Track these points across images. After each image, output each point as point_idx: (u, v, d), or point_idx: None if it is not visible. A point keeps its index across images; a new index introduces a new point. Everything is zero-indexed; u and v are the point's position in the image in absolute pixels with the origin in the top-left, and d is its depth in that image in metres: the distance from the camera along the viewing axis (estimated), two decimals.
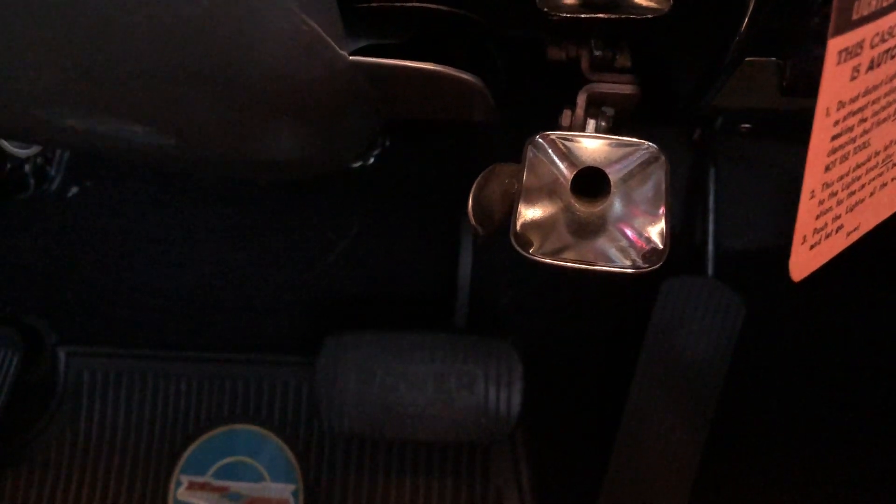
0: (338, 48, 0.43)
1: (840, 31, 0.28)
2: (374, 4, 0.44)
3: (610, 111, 0.54)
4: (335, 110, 0.49)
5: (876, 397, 1.08)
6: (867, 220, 0.35)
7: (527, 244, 0.43)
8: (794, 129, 0.63)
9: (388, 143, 0.98)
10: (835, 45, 0.28)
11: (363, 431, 1.00)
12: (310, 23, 0.40)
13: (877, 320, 1.09)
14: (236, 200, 1.20)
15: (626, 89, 0.52)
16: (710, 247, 1.09)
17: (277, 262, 1.19)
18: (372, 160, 1.00)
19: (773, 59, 0.51)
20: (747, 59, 0.50)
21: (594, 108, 0.54)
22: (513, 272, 1.13)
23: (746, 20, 0.42)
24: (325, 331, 1.05)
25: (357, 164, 0.98)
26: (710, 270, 1.08)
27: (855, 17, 0.28)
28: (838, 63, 0.29)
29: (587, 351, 1.12)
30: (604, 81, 0.52)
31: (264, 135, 0.48)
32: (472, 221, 0.45)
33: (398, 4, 0.44)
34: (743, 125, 0.60)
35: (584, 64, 0.52)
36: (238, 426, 1.13)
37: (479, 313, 1.11)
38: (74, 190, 1.20)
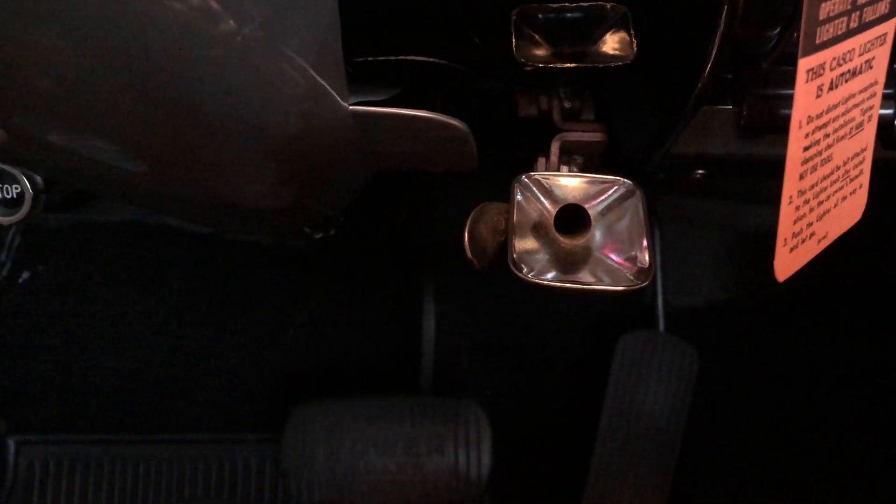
0: (341, 100, 0.46)
1: (807, 52, 0.33)
2: (370, 59, 0.47)
3: (579, 159, 0.59)
4: (327, 159, 0.52)
5: (824, 430, 1.13)
6: (833, 229, 0.40)
7: (521, 271, 0.46)
8: (744, 174, 0.69)
9: (350, 214, 1.01)
10: (803, 64, 0.33)
11: (333, 501, 0.99)
12: (320, 82, 0.44)
13: (819, 364, 1.15)
14: (191, 278, 1.20)
15: (595, 136, 0.57)
16: (660, 303, 1.14)
17: (235, 338, 1.19)
18: (333, 231, 1.02)
19: (727, 106, 0.57)
20: (703, 106, 0.56)
21: (565, 156, 0.58)
22: (472, 337, 1.16)
23: (709, 67, 0.47)
24: (286, 405, 1.04)
25: (319, 235, 1.00)
26: (661, 325, 1.13)
27: (818, 41, 0.33)
28: (806, 81, 0.33)
29: (551, 408, 1.14)
30: (574, 130, 0.57)
31: (249, 177, 0.50)
32: (469, 255, 0.48)
33: (392, 58, 0.48)
34: (697, 171, 0.64)
35: (556, 115, 0.57)
36: None
37: (443, 378, 1.12)
38: (26, 275, 1.19)
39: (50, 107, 0.35)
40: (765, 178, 0.70)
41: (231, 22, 0.36)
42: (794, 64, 0.51)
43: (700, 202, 1.15)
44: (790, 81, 0.51)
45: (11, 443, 1.11)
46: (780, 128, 0.52)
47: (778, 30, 0.49)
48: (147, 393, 1.16)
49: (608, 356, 1.09)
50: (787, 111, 0.51)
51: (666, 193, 1.14)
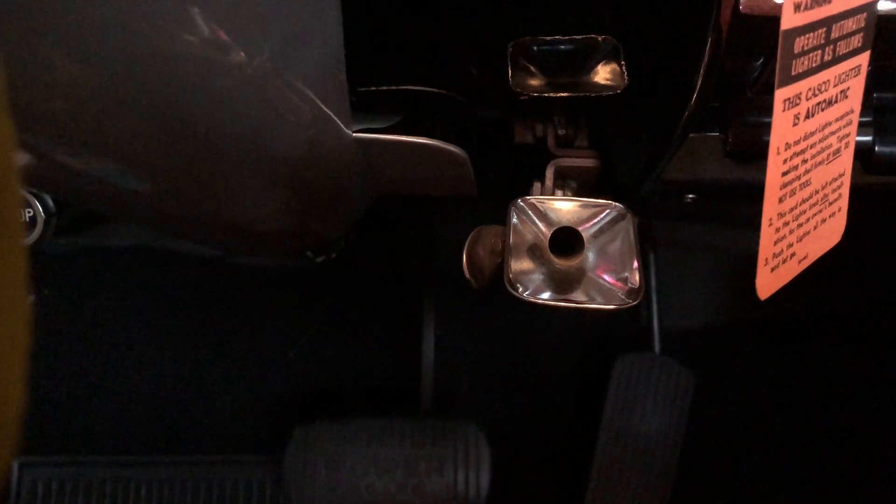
0: (345, 128, 0.48)
1: (783, 84, 0.35)
2: (373, 88, 0.50)
3: (573, 183, 0.61)
4: (331, 184, 0.54)
5: (820, 450, 1.14)
6: (813, 250, 0.42)
7: (517, 290, 0.48)
8: (733, 198, 0.71)
9: (351, 238, 1.03)
10: (780, 94, 0.35)
11: None
12: (325, 110, 0.46)
13: (814, 385, 1.17)
14: (195, 302, 1.21)
15: (589, 162, 0.59)
16: (656, 326, 1.16)
17: (237, 360, 1.20)
18: (335, 255, 1.04)
19: (715, 133, 0.59)
20: (691, 134, 0.58)
21: (560, 181, 0.60)
22: (472, 359, 1.17)
23: (694, 97, 0.49)
24: (287, 427, 1.06)
25: (321, 259, 1.02)
26: (657, 348, 1.15)
27: (794, 73, 0.35)
28: (783, 110, 0.36)
29: (548, 430, 1.15)
30: (568, 156, 0.59)
31: (255, 201, 0.52)
32: (467, 275, 0.50)
33: (394, 88, 0.50)
34: (688, 196, 0.67)
35: (551, 141, 0.59)
36: None
37: (442, 399, 1.14)
38: (31, 299, 1.20)
39: (66, 129, 0.37)
40: (753, 202, 0.72)
41: (242, 54, 0.38)
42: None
43: (693, 227, 1.17)
44: (771, 110, 0.54)
45: (14, 465, 1.12)
46: (763, 154, 0.54)
47: (761, 61, 0.52)
48: (150, 415, 1.17)
49: (605, 378, 1.10)
50: (769, 138, 0.54)
51: (660, 218, 1.16)
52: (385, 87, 0.50)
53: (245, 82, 0.40)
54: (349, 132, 0.49)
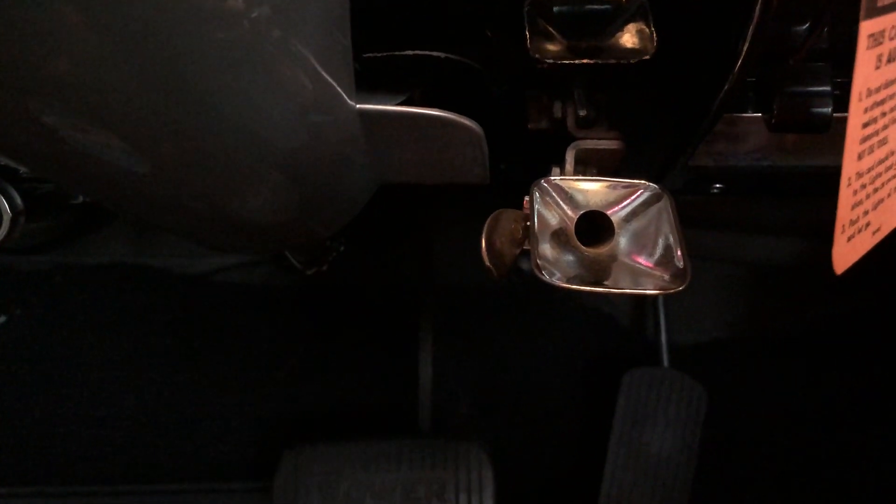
0: (348, 99, 0.43)
1: (869, 15, 0.30)
2: (380, 55, 0.45)
3: (593, 171, 0.56)
4: (331, 165, 0.48)
5: (837, 466, 1.09)
6: (887, 221, 0.37)
7: (546, 277, 0.42)
8: (765, 189, 0.66)
9: (342, 249, 0.97)
10: (865, 27, 0.30)
11: None
12: (327, 77, 0.41)
13: (828, 399, 1.12)
14: (177, 321, 1.16)
15: (612, 144, 0.54)
16: (664, 340, 1.10)
17: (222, 383, 1.14)
18: (326, 267, 0.99)
19: (750, 114, 0.54)
20: (724, 114, 0.53)
21: (580, 166, 0.55)
22: (472, 377, 1.11)
23: (738, 65, 0.44)
24: (276, 452, 0.99)
25: (311, 271, 0.96)
26: (665, 362, 1.09)
27: (880, 4, 0.30)
28: (868, 48, 0.31)
29: (555, 450, 1.09)
30: (590, 138, 0.54)
31: (249, 183, 0.47)
32: (487, 263, 0.44)
33: (402, 53, 0.45)
34: (716, 186, 0.62)
35: (571, 122, 0.54)
36: None
37: (442, 420, 1.08)
38: (2, 319, 1.14)
39: (67, 91, 0.34)
40: (786, 194, 0.67)
41: (239, 0, 0.34)
42: (825, 60, 0.49)
43: (702, 235, 1.12)
44: (822, 78, 0.49)
45: None
46: (815, 126, 0.49)
47: (807, 25, 0.47)
48: (129, 442, 1.11)
49: (612, 395, 1.05)
50: (821, 109, 0.49)
51: None
52: (392, 53, 0.45)
53: (241, 38, 0.35)
54: (353, 103, 0.43)
